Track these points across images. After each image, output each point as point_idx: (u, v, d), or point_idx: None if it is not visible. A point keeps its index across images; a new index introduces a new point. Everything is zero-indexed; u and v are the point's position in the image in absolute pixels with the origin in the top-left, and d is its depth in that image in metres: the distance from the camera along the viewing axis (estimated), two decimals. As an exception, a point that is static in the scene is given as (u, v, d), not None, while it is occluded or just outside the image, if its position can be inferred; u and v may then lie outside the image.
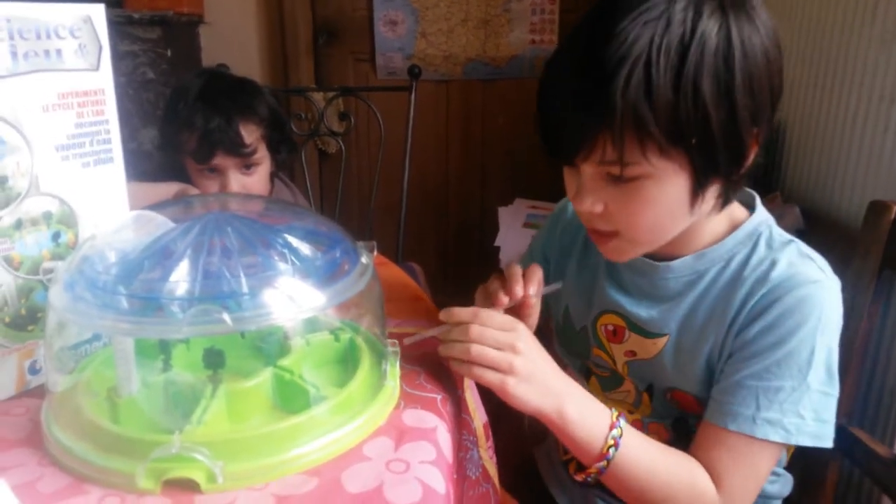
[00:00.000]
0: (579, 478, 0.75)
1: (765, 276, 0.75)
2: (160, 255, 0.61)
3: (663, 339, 0.82)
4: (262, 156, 1.40)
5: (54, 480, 0.56)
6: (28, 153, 0.66)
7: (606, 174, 0.70)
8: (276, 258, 0.64)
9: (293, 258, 0.64)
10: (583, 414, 0.71)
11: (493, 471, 0.75)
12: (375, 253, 0.70)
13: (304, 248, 0.66)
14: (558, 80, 0.71)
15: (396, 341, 0.72)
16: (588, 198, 0.73)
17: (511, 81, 2.45)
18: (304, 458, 0.59)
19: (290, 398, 0.65)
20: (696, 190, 0.70)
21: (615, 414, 0.73)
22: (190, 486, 0.55)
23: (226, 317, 0.55)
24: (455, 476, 0.63)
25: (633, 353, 0.85)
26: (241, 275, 0.59)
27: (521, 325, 0.72)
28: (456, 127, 2.49)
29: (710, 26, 0.65)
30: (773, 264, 0.75)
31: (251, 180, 1.39)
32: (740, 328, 0.75)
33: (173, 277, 0.59)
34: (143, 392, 0.63)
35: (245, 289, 0.59)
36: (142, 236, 0.64)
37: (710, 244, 0.79)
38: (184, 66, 2.16)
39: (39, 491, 0.55)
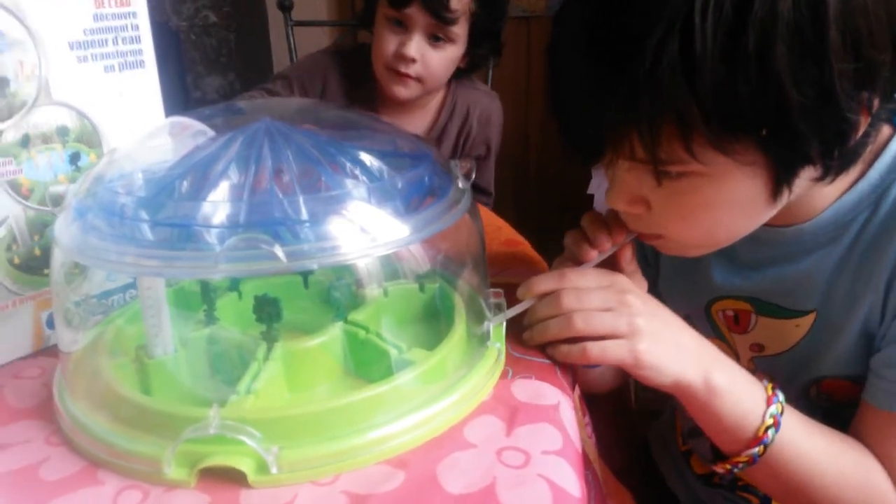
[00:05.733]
0: (721, 469, 0.57)
1: None
2: (195, 173, 0.46)
3: (808, 319, 0.61)
4: (459, 35, 1.18)
5: (62, 464, 0.43)
6: (34, 50, 0.52)
7: (644, 168, 0.51)
8: (345, 177, 0.48)
9: (366, 178, 0.48)
10: (734, 382, 0.53)
11: (592, 454, 0.59)
12: (474, 176, 0.53)
13: (381, 167, 0.50)
14: (566, 49, 0.51)
15: (501, 291, 0.55)
16: (623, 195, 0.54)
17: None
18: (386, 442, 0.44)
19: (366, 362, 0.50)
20: (778, 184, 0.50)
21: (770, 385, 0.54)
22: (234, 478, 0.41)
23: (277, 249, 0.40)
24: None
25: (761, 348, 0.66)
26: (299, 196, 0.44)
27: (620, 276, 0.55)
28: (538, 70, 2.28)
29: None
30: None
31: (433, 55, 1.17)
32: None
33: (210, 199, 0.44)
34: (181, 353, 0.49)
35: (304, 214, 0.43)
36: (173, 149, 0.49)
37: (845, 190, 0.57)
38: (248, 8, 2.03)
39: (42, 478, 0.42)
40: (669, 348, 0.52)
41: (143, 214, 0.43)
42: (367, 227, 0.44)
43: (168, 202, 0.44)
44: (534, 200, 2.37)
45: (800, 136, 0.46)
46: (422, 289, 0.58)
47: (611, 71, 0.46)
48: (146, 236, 0.42)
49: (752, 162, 0.48)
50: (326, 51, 1.37)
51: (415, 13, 1.13)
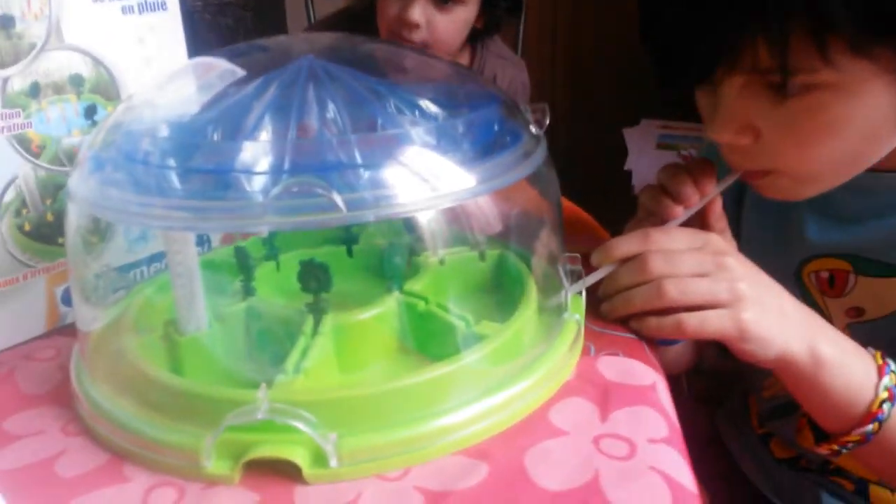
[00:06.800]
0: (826, 450, 0.50)
1: None
2: (228, 116, 0.40)
3: None
4: None
5: (82, 458, 0.37)
6: (42, -16, 0.45)
7: (760, 86, 0.44)
8: (401, 120, 0.41)
9: (429, 123, 0.41)
10: (842, 353, 0.46)
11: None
12: (547, 121, 0.46)
13: (444, 111, 0.43)
14: None
15: (578, 256, 0.48)
16: (731, 123, 0.46)
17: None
18: (461, 429, 0.37)
19: (429, 337, 0.43)
20: None
21: (879, 354, 0.47)
22: (286, 472, 0.34)
23: (336, 196, 0.33)
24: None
25: (859, 312, 0.58)
26: (352, 139, 0.37)
27: (713, 235, 0.48)
28: (564, 44, 2.19)
29: None
30: None
31: (441, 19, 1.05)
32: None
33: (249, 144, 0.37)
34: (216, 328, 0.42)
35: (358, 158, 0.36)
36: (199, 93, 0.42)
37: None
38: (263, -13, 1.96)
39: (58, 474, 0.35)
40: (775, 317, 0.45)
41: (171, 162, 0.36)
42: (433, 176, 0.37)
43: (200, 147, 0.37)
44: (560, 175, 2.28)
45: None
46: (482, 256, 0.51)
47: None
48: (175, 186, 0.35)
49: (893, 69, 0.41)
50: (337, 13, 1.29)
51: None
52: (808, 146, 0.46)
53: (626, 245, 0.48)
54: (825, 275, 0.59)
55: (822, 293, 0.60)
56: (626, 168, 1.51)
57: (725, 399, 0.82)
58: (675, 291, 0.44)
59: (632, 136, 1.64)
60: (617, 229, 0.66)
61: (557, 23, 2.19)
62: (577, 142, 2.26)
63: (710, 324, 0.44)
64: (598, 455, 0.35)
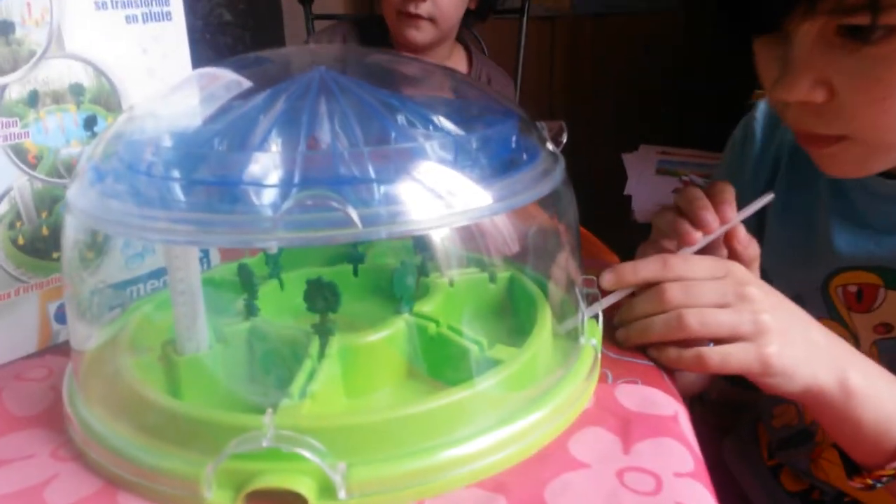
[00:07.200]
0: (859, 484, 0.48)
1: None
2: (235, 128, 0.38)
3: None
4: None
5: (73, 485, 0.34)
6: (45, -10, 0.44)
7: (836, 34, 0.43)
8: (415, 134, 0.40)
9: (445, 140, 0.40)
10: (872, 382, 0.44)
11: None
12: (565, 139, 0.44)
13: (455, 125, 0.41)
14: None
15: (594, 278, 0.47)
16: (804, 77, 0.45)
17: (627, 17, 2.13)
18: (476, 460, 0.35)
19: (440, 361, 0.41)
20: None
21: None
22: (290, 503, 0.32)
23: (351, 211, 0.31)
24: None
25: (888, 329, 0.57)
26: (365, 153, 0.36)
27: (735, 264, 0.47)
28: (562, 72, 2.20)
29: None
30: None
31: None
32: None
33: (258, 155, 0.35)
34: (217, 349, 0.40)
35: (371, 172, 0.35)
36: (203, 104, 0.41)
37: None
38: (264, 6, 1.96)
39: (48, 502, 0.33)
40: (801, 349, 0.43)
41: (175, 173, 0.35)
42: (449, 192, 0.36)
43: (206, 158, 0.36)
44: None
45: None
46: (492, 278, 0.50)
47: None
48: (179, 198, 0.34)
49: None
50: (343, 21, 1.38)
51: None
52: (886, 101, 0.43)
53: (642, 270, 0.46)
54: (853, 289, 0.58)
55: (849, 308, 0.58)
56: (625, 193, 1.50)
57: (732, 427, 0.81)
58: (695, 323, 0.43)
59: (631, 161, 1.64)
60: (617, 251, 0.64)
61: (554, 56, 2.21)
62: (572, 171, 2.26)
63: (734, 359, 0.42)
64: (623, 489, 0.33)
